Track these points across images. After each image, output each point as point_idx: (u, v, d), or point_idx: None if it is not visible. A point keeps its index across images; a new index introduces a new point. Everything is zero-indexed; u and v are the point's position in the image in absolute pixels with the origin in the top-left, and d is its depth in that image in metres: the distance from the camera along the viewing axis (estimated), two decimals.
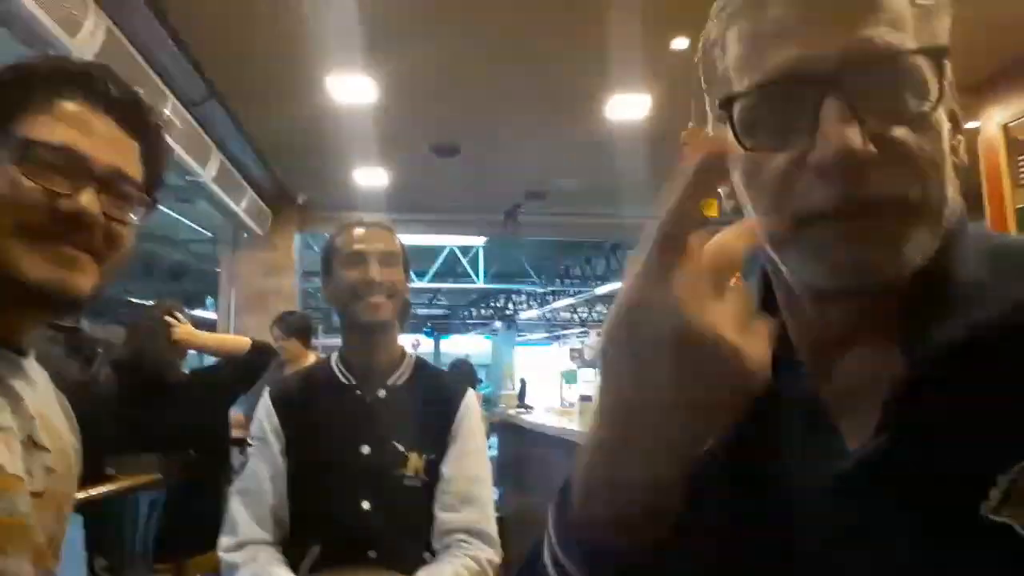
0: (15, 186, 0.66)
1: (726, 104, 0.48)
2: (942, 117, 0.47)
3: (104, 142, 0.71)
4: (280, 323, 3.52)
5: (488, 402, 6.33)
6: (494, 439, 4.87)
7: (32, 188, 0.66)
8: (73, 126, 0.70)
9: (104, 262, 0.71)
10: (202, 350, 2.75)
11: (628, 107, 4.27)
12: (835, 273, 0.45)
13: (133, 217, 0.74)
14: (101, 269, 0.71)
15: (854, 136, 0.43)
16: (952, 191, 0.48)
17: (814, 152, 0.44)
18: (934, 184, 0.46)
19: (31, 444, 0.69)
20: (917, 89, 0.45)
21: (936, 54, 0.46)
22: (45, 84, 0.71)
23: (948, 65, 0.46)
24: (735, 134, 0.48)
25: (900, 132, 0.44)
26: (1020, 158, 3.77)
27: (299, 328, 3.48)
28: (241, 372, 2.61)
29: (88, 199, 0.68)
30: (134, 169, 0.75)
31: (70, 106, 0.70)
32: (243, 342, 2.72)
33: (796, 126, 0.45)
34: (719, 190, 0.58)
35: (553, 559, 0.45)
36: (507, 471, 4.60)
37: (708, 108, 0.59)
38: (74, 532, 2.02)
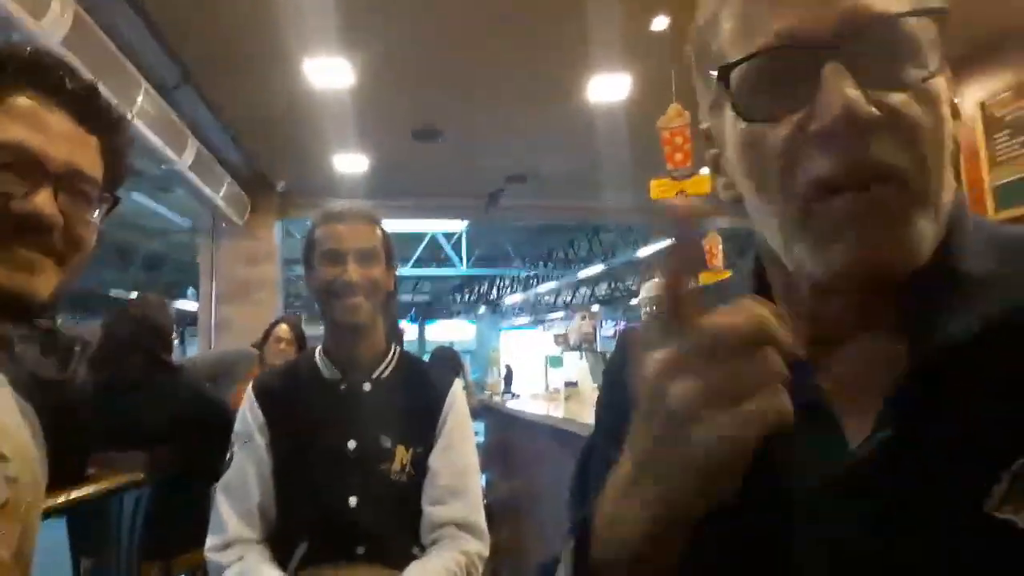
0: None
1: (724, 73, 0.47)
2: (942, 90, 0.46)
3: (59, 139, 0.68)
4: (294, 330, 3.17)
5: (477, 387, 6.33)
6: (480, 425, 4.88)
7: None
8: (26, 123, 0.66)
9: (65, 263, 0.68)
10: None
11: (609, 88, 4.25)
12: (846, 262, 0.44)
13: (94, 215, 0.71)
14: (62, 270, 0.68)
15: (856, 96, 0.42)
16: (950, 175, 0.46)
17: (815, 118, 0.43)
18: (934, 162, 0.44)
19: None
20: (916, 58, 0.45)
21: (935, 14, 0.45)
22: None
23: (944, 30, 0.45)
24: (733, 106, 0.47)
25: (902, 99, 0.43)
26: (997, 136, 3.80)
27: (300, 337, 3.25)
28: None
29: (43, 199, 0.65)
30: (93, 166, 0.71)
31: (23, 101, 0.67)
32: None
33: (796, 93, 0.44)
34: (717, 179, 0.56)
35: None
36: (494, 457, 4.62)
37: (699, 96, 0.57)
38: (59, 534, 1.99)
